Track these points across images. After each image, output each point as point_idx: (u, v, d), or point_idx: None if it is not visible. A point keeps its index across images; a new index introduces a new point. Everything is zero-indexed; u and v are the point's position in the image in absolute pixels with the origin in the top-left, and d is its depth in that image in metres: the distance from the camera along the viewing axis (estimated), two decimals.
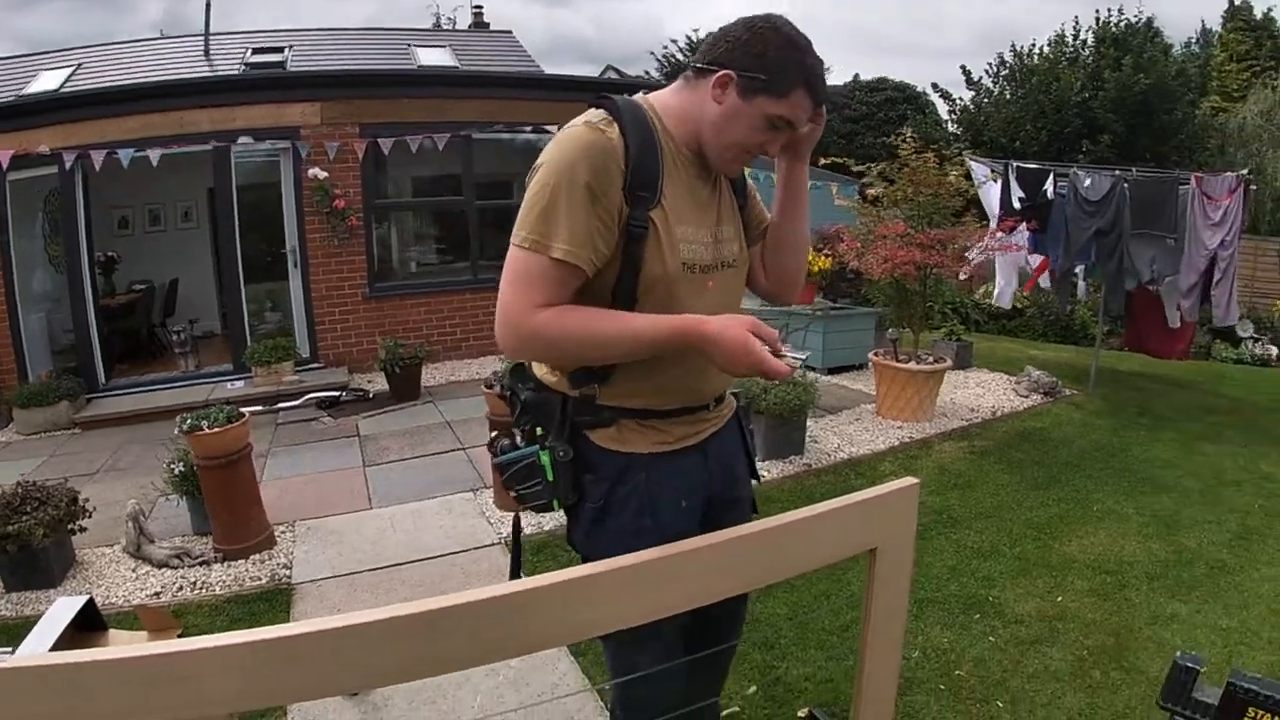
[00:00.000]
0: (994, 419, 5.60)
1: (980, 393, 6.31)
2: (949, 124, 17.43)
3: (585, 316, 1.34)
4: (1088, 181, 6.14)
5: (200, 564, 3.62)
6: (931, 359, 5.60)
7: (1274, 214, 10.54)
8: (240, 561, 3.63)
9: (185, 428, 3.60)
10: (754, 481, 1.78)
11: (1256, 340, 8.80)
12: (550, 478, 1.47)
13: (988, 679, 2.68)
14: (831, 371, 7.06)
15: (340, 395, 6.71)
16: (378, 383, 6.99)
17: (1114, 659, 2.80)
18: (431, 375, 7.35)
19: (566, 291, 1.34)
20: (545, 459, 1.46)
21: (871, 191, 6.29)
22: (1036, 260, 6.72)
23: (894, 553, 1.43)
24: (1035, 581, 3.33)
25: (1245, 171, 6.39)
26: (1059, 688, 2.64)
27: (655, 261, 1.38)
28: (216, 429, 3.58)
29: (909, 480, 1.45)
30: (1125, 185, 6.03)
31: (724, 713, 2.49)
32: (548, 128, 7.56)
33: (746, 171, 1.67)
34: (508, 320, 1.34)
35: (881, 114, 19.16)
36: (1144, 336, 6.59)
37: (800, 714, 2.48)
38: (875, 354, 5.78)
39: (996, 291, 7.11)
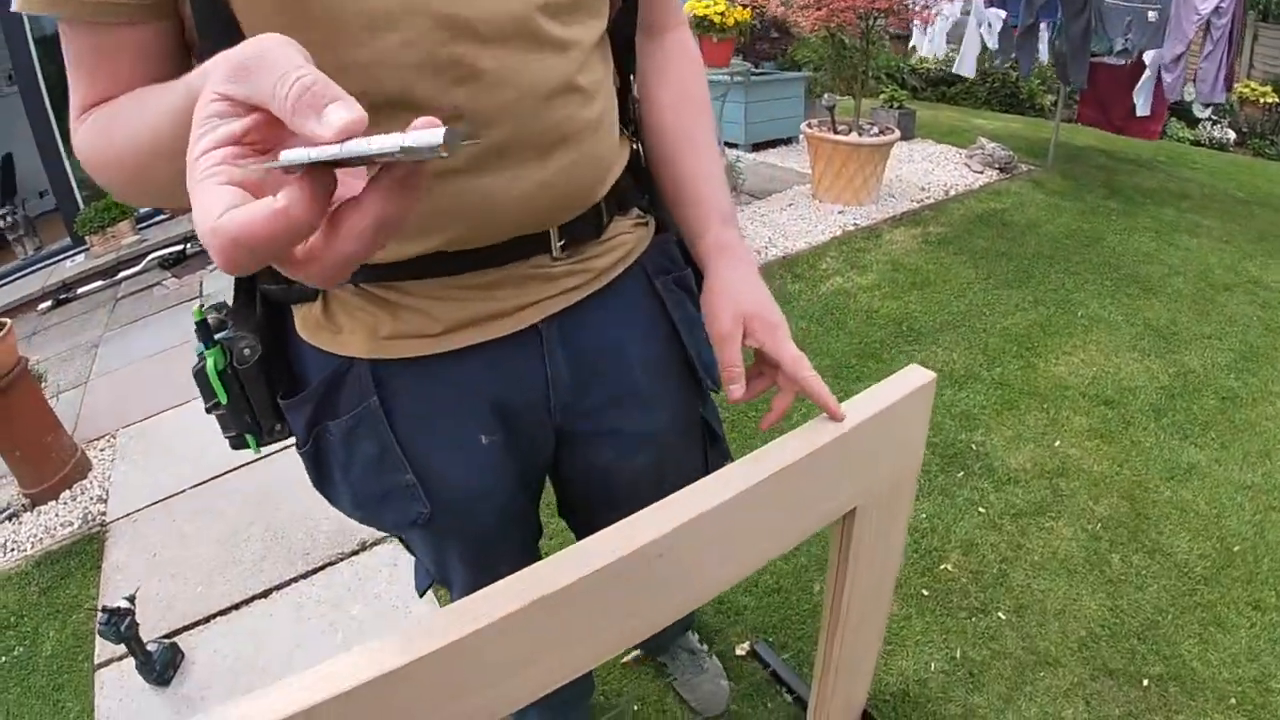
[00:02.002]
0: (947, 199, 4.76)
1: (929, 168, 5.42)
2: None
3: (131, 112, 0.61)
4: None
5: (8, 518, 2.63)
6: (876, 129, 4.61)
7: None
8: (50, 504, 2.69)
9: None
10: (709, 387, 1.04)
11: (1215, 123, 8.08)
12: (222, 397, 0.87)
13: (983, 575, 2.00)
14: (757, 148, 5.94)
15: (185, 248, 5.29)
16: None
17: (1133, 535, 2.16)
18: None
19: (119, 65, 0.64)
20: (211, 364, 0.85)
21: None
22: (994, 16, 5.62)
23: (885, 507, 0.92)
24: (1025, 418, 2.63)
25: None
26: (1073, 585, 1.98)
27: None
28: None
29: (917, 377, 0.85)
30: None
31: (624, 658, 1.74)
32: None
33: None
34: None
35: None
36: (1105, 111, 5.71)
37: (740, 651, 1.75)
38: (809, 125, 4.73)
39: (959, 59, 5.95)
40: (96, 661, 1.95)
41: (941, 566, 2.02)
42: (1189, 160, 6.54)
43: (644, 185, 0.95)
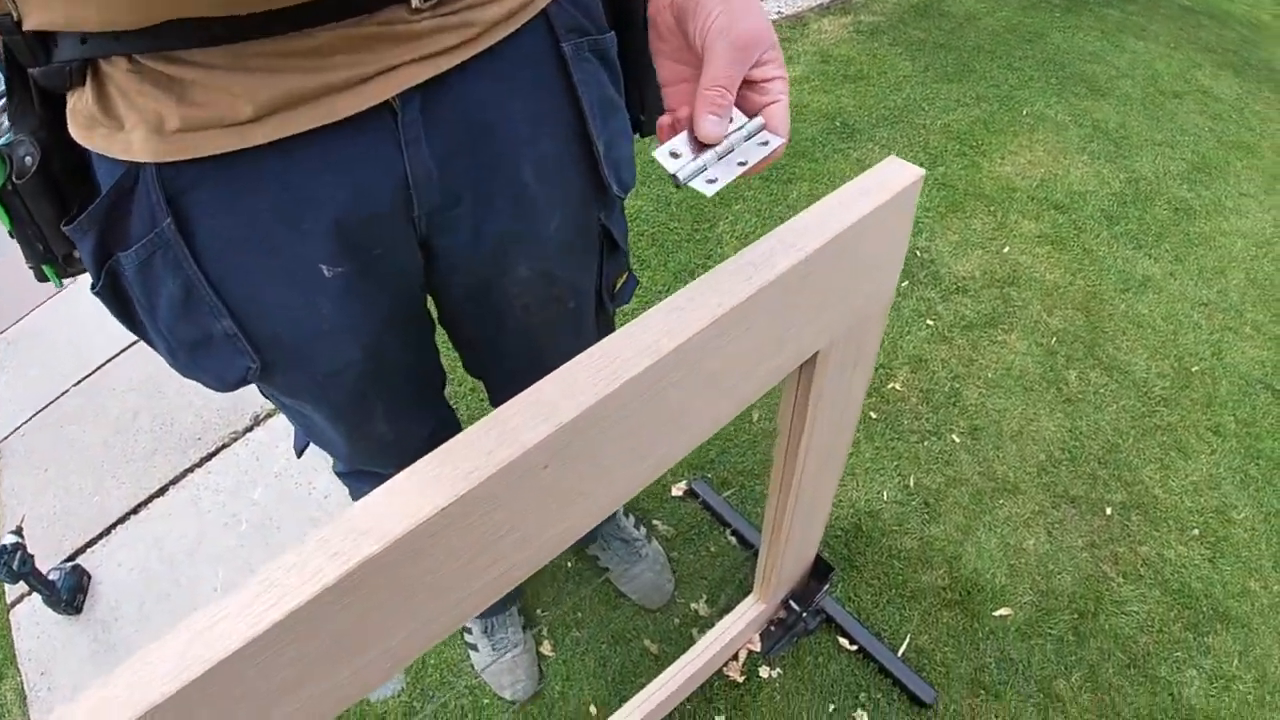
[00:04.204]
0: None
1: None
2: None
3: None
4: None
5: None
6: None
7: None
8: None
9: None
10: (614, 190, 0.79)
11: None
12: (3, 221, 0.64)
13: (933, 394, 1.73)
14: None
15: None
16: None
17: (1089, 350, 1.93)
18: None
19: None
20: None
21: None
22: None
23: (853, 344, 0.74)
24: (971, 222, 2.33)
25: None
26: (1029, 404, 1.74)
27: None
28: None
29: (900, 174, 0.61)
30: None
31: None
32: None
33: None
34: None
35: None
36: None
37: (676, 491, 1.46)
38: None
39: None
40: (9, 601, 1.73)
41: (889, 385, 1.73)
42: None
43: None
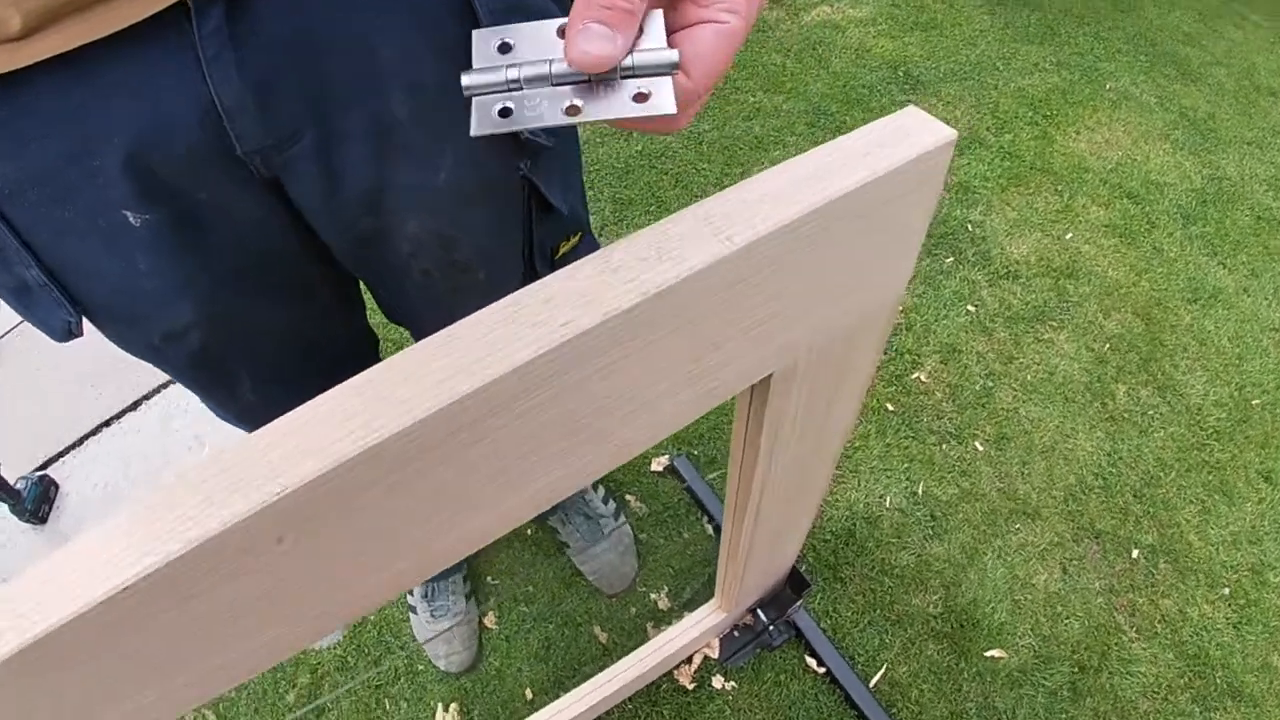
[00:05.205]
0: None
1: None
2: None
3: None
4: None
5: None
6: None
7: None
8: None
9: None
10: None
11: None
12: None
13: (962, 392, 1.53)
14: None
15: None
16: None
17: (1144, 364, 1.71)
18: None
19: None
20: None
21: None
22: None
23: (838, 360, 0.51)
24: (1034, 200, 2.09)
25: None
26: (1068, 417, 1.54)
27: None
28: None
29: (922, 132, 0.36)
30: None
31: None
32: None
33: None
34: None
35: None
36: None
37: (656, 466, 1.29)
38: None
39: None
40: None
41: (913, 375, 1.53)
42: None
43: None
